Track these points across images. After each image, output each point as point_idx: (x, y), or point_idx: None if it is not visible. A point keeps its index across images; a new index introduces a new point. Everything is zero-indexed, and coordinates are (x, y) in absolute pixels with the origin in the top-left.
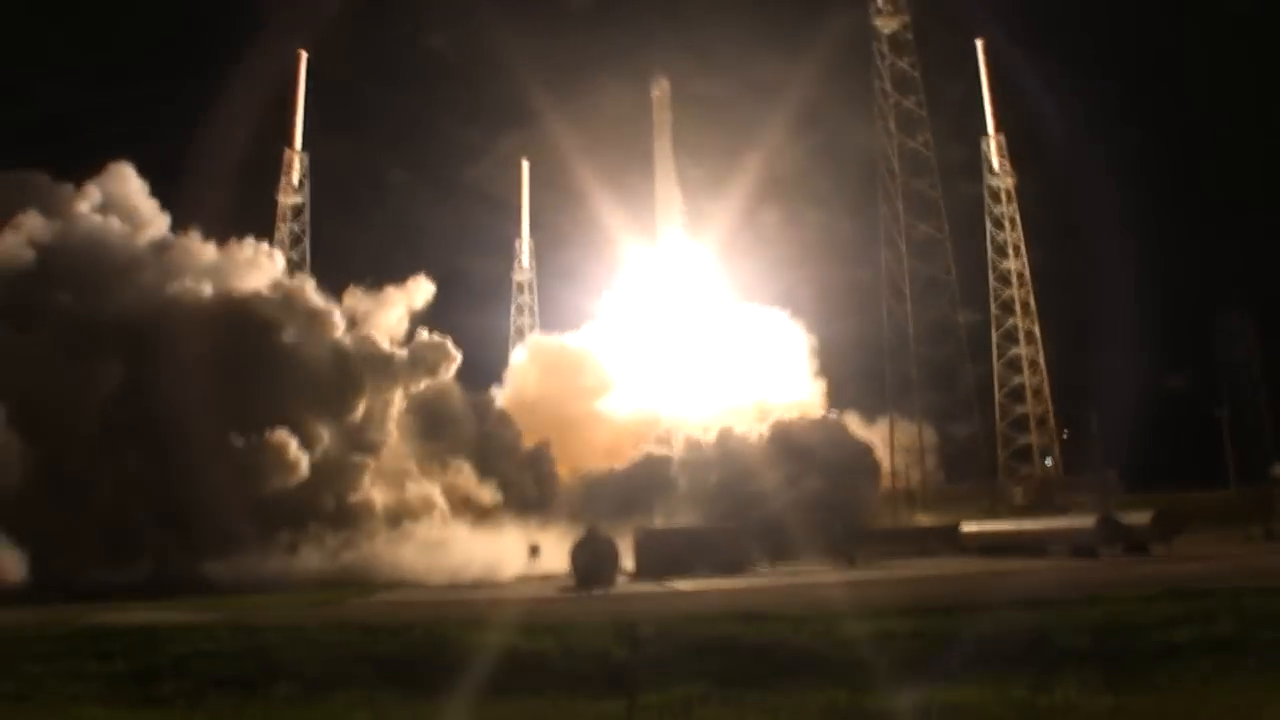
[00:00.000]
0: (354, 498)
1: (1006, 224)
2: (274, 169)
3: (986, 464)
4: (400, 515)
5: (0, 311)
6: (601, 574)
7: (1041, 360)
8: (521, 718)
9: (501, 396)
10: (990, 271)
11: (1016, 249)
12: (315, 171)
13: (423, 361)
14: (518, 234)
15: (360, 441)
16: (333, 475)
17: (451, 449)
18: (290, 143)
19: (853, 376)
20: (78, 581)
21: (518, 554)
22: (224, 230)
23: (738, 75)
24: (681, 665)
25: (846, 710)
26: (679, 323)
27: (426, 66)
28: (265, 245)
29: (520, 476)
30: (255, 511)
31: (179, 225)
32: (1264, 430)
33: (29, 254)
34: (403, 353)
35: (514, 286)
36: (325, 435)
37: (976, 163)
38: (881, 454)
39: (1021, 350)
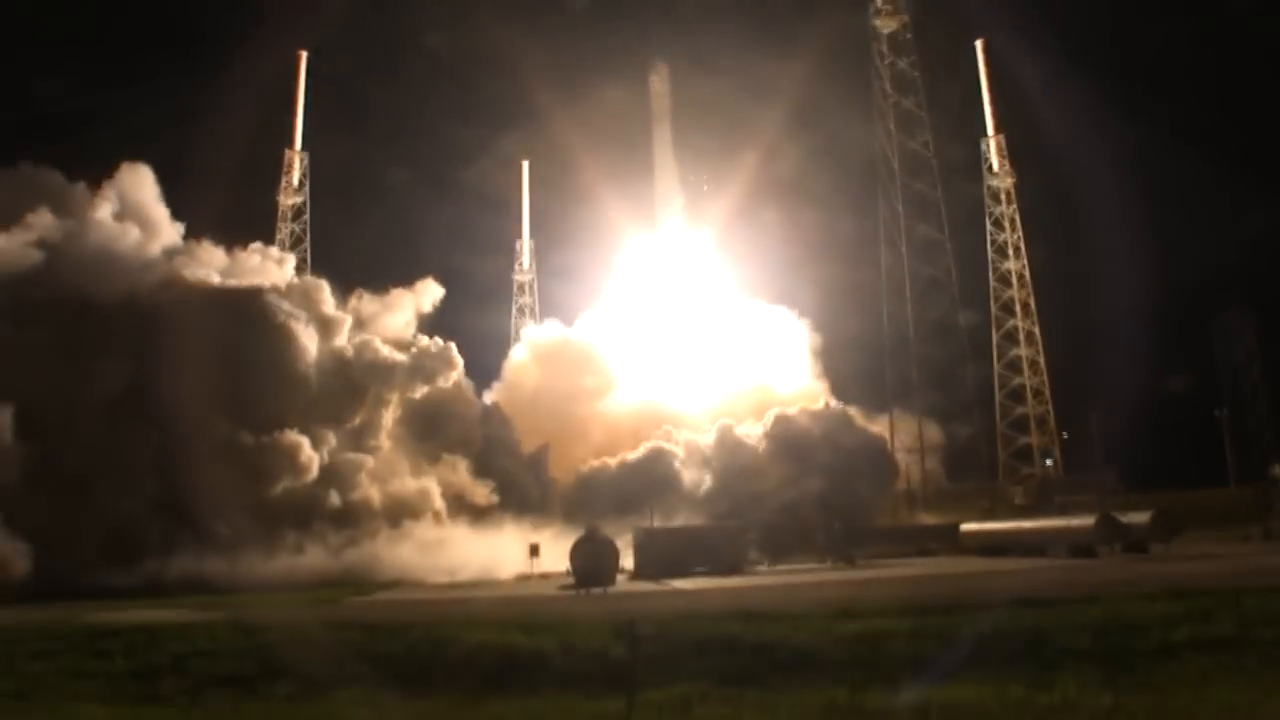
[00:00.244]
0: (352, 497)
1: (1006, 224)
2: (274, 170)
3: (987, 464)
4: (398, 515)
5: (6, 309)
6: (601, 573)
7: (1042, 361)
8: (521, 716)
9: (501, 390)
10: (990, 272)
11: (1017, 250)
12: (315, 172)
13: (423, 370)
14: (518, 234)
15: (359, 443)
16: (332, 475)
17: (450, 449)
18: (290, 143)
19: (853, 377)
20: (82, 580)
21: (516, 554)
22: (223, 231)
23: (736, 75)
24: (681, 664)
25: (845, 709)
26: (679, 313)
27: (427, 66)
28: (274, 250)
29: (520, 478)
30: (259, 511)
31: (177, 225)
32: (1263, 430)
33: (36, 253)
34: (405, 359)
35: (515, 287)
36: (330, 437)
37: (976, 163)
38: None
39: (1022, 351)
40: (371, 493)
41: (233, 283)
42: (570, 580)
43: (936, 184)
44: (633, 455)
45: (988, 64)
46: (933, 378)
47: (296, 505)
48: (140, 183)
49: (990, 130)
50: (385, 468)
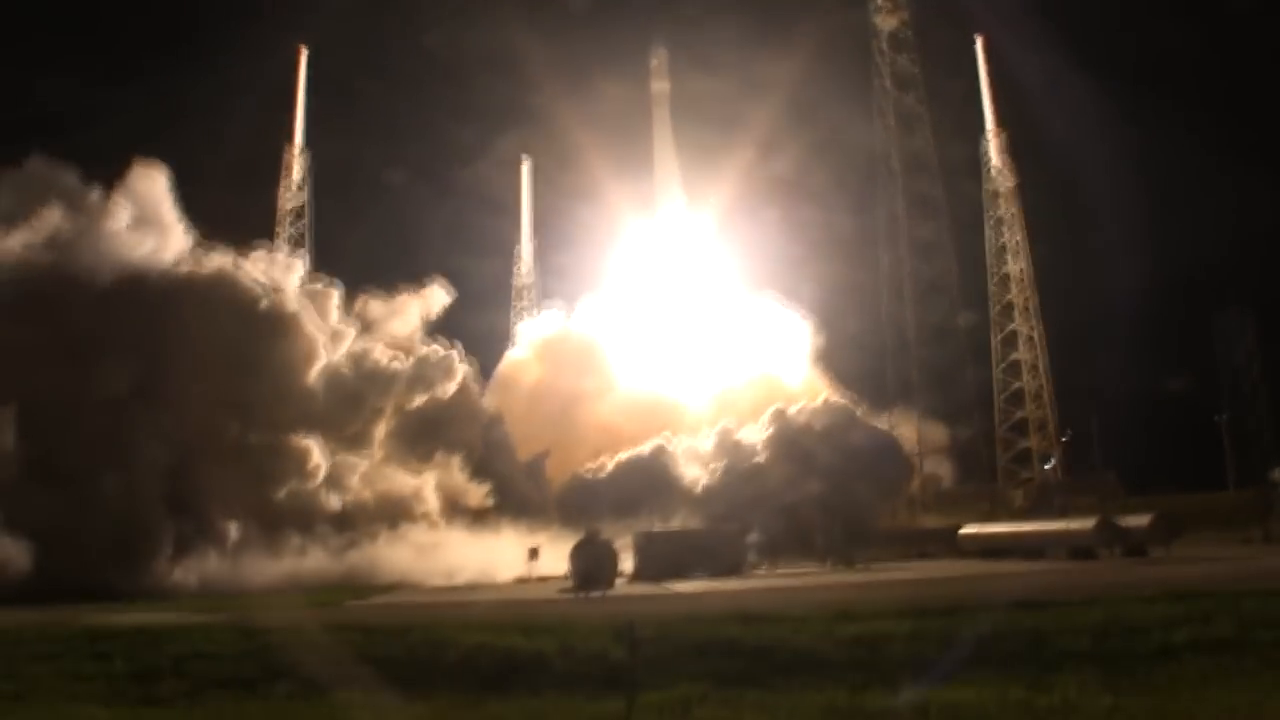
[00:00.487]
0: (351, 501)
1: (1007, 224)
2: (274, 169)
3: (986, 467)
4: (396, 518)
5: (15, 307)
6: (600, 576)
7: (1042, 364)
8: (521, 718)
9: (499, 386)
10: (990, 274)
11: (1017, 250)
12: (316, 171)
13: (423, 379)
14: (518, 235)
15: (357, 447)
16: (331, 479)
17: (448, 452)
18: (290, 142)
19: (853, 378)
20: (87, 581)
21: (515, 557)
22: (223, 230)
23: (735, 73)
24: (680, 665)
25: (845, 710)
26: (681, 306)
27: (427, 65)
28: (280, 255)
29: (518, 482)
30: (264, 514)
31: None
32: (1263, 433)
33: (46, 250)
34: (406, 367)
35: (514, 288)
36: (328, 441)
37: (977, 162)
38: None
39: (1022, 354)
40: (369, 496)
41: (249, 285)
42: (570, 583)
43: (937, 183)
44: (632, 455)
45: (988, 61)
46: (933, 380)
47: (299, 508)
48: (152, 183)
49: (991, 128)
50: (382, 472)
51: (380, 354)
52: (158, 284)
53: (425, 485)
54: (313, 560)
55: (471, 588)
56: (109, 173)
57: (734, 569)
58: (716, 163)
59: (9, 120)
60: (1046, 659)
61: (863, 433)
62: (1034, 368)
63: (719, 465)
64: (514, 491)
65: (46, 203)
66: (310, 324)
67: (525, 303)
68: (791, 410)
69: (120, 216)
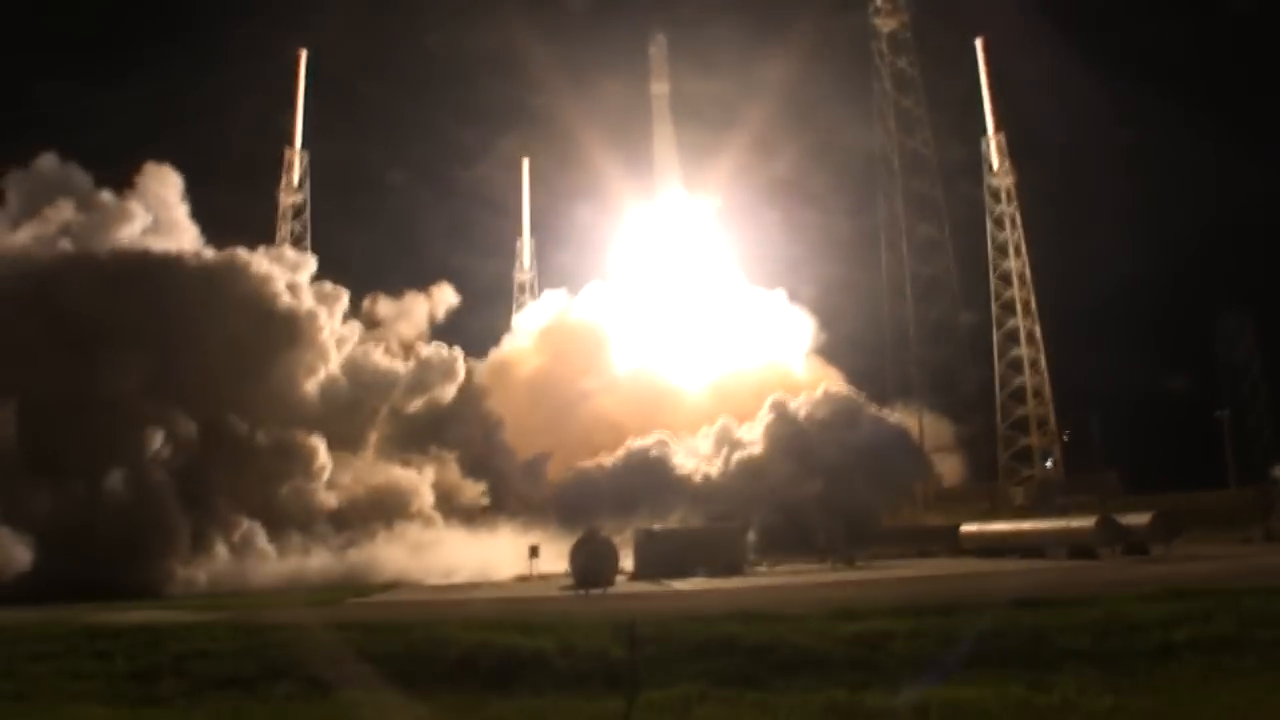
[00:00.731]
0: (350, 500)
1: (1007, 223)
2: (274, 168)
3: (987, 465)
4: (394, 517)
5: (23, 301)
6: (600, 574)
7: (1043, 361)
8: (521, 716)
9: (498, 373)
10: (991, 272)
11: (1017, 249)
12: (314, 172)
13: (423, 382)
14: (518, 233)
15: (356, 446)
16: (331, 478)
17: (447, 450)
18: (290, 142)
19: (854, 377)
20: (94, 579)
21: (515, 555)
22: (223, 229)
23: (735, 75)
24: (680, 664)
25: (845, 709)
26: (682, 297)
27: (426, 64)
28: (289, 251)
29: (516, 481)
30: (269, 513)
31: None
32: (1264, 431)
33: (56, 248)
34: (407, 369)
35: (515, 286)
36: (327, 440)
37: (976, 162)
38: None
39: (1022, 351)
40: (369, 495)
41: (268, 283)
42: (570, 581)
43: (936, 183)
44: (630, 451)
45: (988, 63)
46: (933, 378)
47: (302, 507)
48: (164, 182)
49: (990, 129)
50: (381, 470)
51: (384, 355)
52: (173, 279)
53: (424, 484)
54: (313, 559)
55: (472, 586)
56: (109, 173)
57: (734, 567)
58: (716, 163)
59: (9, 121)
60: (1047, 658)
61: (872, 425)
62: (1034, 365)
63: (719, 461)
64: (513, 490)
65: (55, 201)
66: (324, 325)
67: (526, 298)
68: (796, 402)
69: (134, 215)
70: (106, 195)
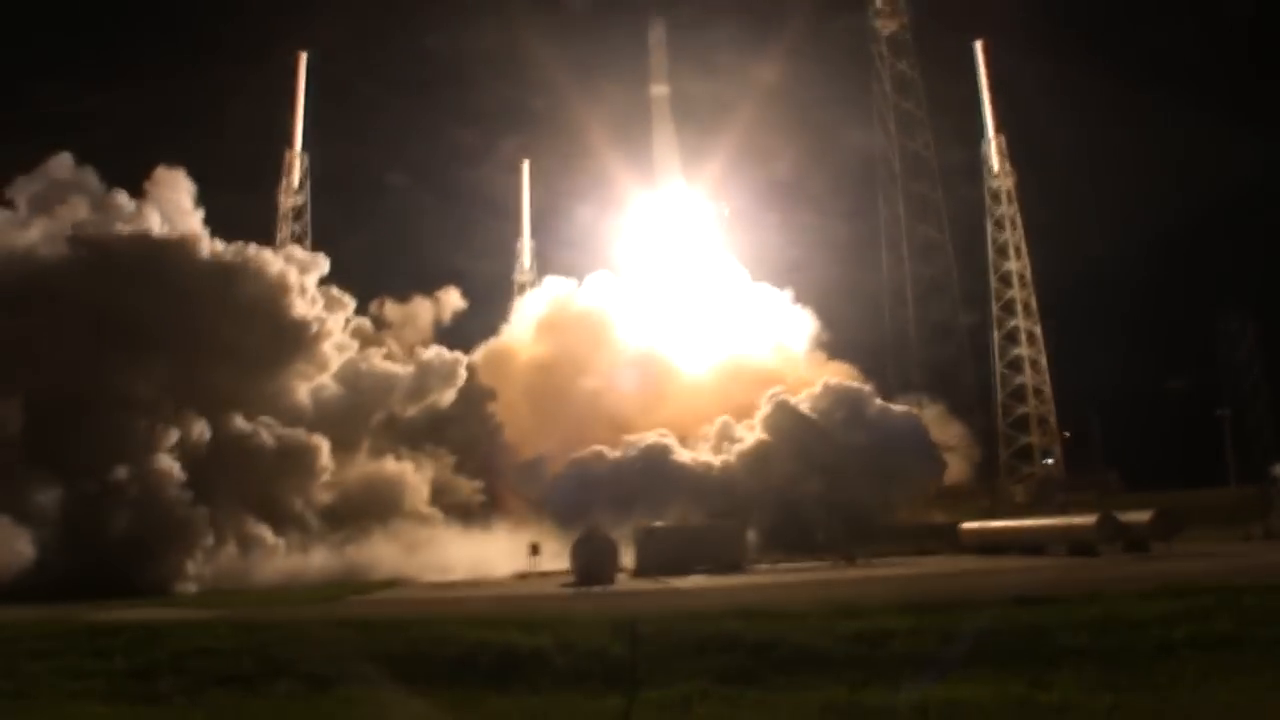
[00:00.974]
0: (350, 498)
1: (1007, 225)
2: (274, 173)
3: (988, 463)
4: (393, 515)
5: (39, 300)
6: (601, 572)
7: (1043, 361)
8: (521, 714)
9: (496, 361)
10: (991, 273)
11: (1017, 250)
12: (314, 174)
13: (423, 388)
14: (518, 234)
15: (356, 447)
16: (332, 476)
17: (449, 452)
18: (290, 143)
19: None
20: (102, 577)
21: (512, 553)
22: (223, 230)
23: (735, 77)
24: (681, 662)
25: (846, 707)
26: (683, 287)
27: (427, 66)
28: (298, 249)
29: (518, 481)
30: (274, 512)
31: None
32: (1264, 429)
33: (69, 246)
34: (409, 373)
35: (515, 287)
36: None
37: (976, 164)
38: None
39: (1023, 351)
40: (368, 494)
41: (282, 284)
42: (571, 578)
43: (937, 185)
44: (630, 448)
45: (987, 65)
46: (934, 377)
47: (301, 506)
48: (176, 188)
49: (990, 131)
50: (380, 470)
51: (386, 360)
52: (185, 271)
53: (422, 482)
54: (313, 557)
55: (473, 583)
56: (109, 174)
57: (735, 565)
58: (717, 165)
59: (8, 121)
60: (1046, 655)
61: (881, 418)
62: (1034, 365)
63: (720, 458)
64: (511, 489)
65: (67, 200)
66: (333, 328)
67: (526, 296)
68: (799, 397)
69: (148, 218)
70: (122, 197)
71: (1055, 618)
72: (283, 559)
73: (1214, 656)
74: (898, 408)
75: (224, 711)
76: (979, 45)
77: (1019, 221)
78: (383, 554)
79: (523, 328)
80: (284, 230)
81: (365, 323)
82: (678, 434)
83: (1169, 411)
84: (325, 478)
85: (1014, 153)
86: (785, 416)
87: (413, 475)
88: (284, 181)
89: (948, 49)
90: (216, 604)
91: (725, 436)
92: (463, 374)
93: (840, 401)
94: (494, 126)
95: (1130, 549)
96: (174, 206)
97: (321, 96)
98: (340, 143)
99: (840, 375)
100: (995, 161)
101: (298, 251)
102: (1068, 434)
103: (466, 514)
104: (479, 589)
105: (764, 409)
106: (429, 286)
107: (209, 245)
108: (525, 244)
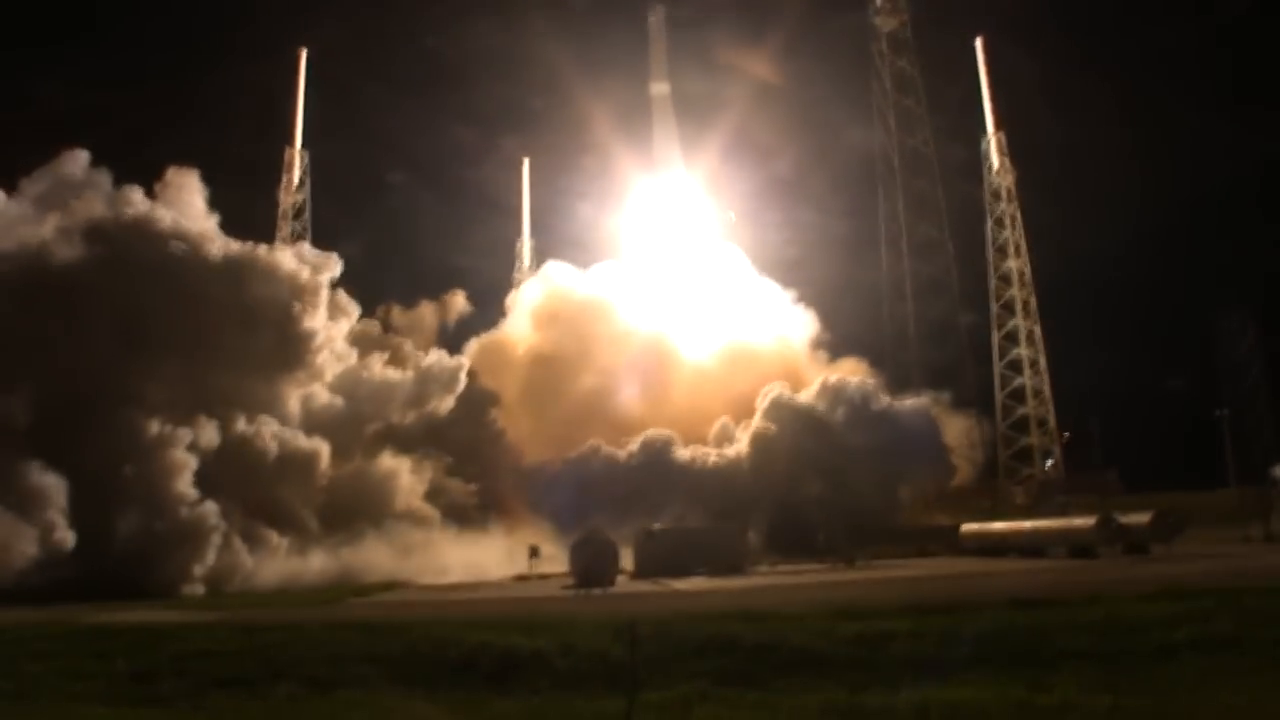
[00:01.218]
0: (349, 500)
1: (1007, 223)
2: (274, 171)
3: (988, 465)
4: (392, 518)
5: (53, 298)
6: (601, 574)
7: (1042, 361)
8: (522, 716)
9: (491, 350)
10: (991, 271)
11: (1017, 248)
12: (315, 172)
13: (424, 395)
14: (518, 233)
15: (355, 449)
16: (331, 479)
17: (448, 456)
18: (290, 142)
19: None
20: (106, 578)
21: (509, 555)
22: (224, 231)
23: (735, 75)
24: (681, 664)
25: (845, 709)
26: (686, 272)
27: (427, 66)
28: (309, 249)
29: (517, 484)
30: (274, 514)
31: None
32: (1263, 431)
33: (83, 245)
34: (409, 380)
35: (515, 282)
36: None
37: (976, 162)
38: None
39: (1022, 351)
40: (365, 495)
41: (294, 289)
42: (571, 581)
43: (936, 182)
44: (632, 448)
45: (987, 62)
46: (933, 377)
47: (300, 508)
48: (187, 188)
49: (990, 128)
50: (378, 472)
51: (388, 366)
52: (200, 279)
53: (419, 485)
54: (311, 559)
55: (472, 585)
56: (111, 172)
57: (734, 567)
58: (715, 163)
59: (8, 120)
60: (1046, 658)
61: (888, 417)
62: (1034, 365)
63: (719, 450)
64: (510, 492)
65: (80, 196)
66: (337, 334)
67: (525, 284)
68: (804, 393)
69: (161, 214)
70: (136, 194)
71: (1055, 620)
72: (282, 561)
73: (1214, 659)
74: (908, 402)
75: (225, 714)
76: (979, 42)
77: (1019, 220)
78: (379, 556)
79: (521, 318)
80: (284, 228)
81: (368, 325)
82: (680, 428)
83: (1168, 412)
84: (324, 482)
85: (1014, 150)
86: (786, 414)
87: (409, 477)
88: (284, 179)
89: (948, 46)
90: (217, 606)
91: (725, 438)
92: (463, 380)
93: (845, 398)
94: (494, 125)
95: (1130, 551)
96: (186, 207)
97: (322, 94)
98: (341, 140)
99: (848, 371)
100: (995, 159)
101: (309, 251)
102: (1067, 434)
103: (463, 516)
104: (479, 591)
105: (764, 403)
106: (429, 285)
107: (223, 245)
108: (525, 243)
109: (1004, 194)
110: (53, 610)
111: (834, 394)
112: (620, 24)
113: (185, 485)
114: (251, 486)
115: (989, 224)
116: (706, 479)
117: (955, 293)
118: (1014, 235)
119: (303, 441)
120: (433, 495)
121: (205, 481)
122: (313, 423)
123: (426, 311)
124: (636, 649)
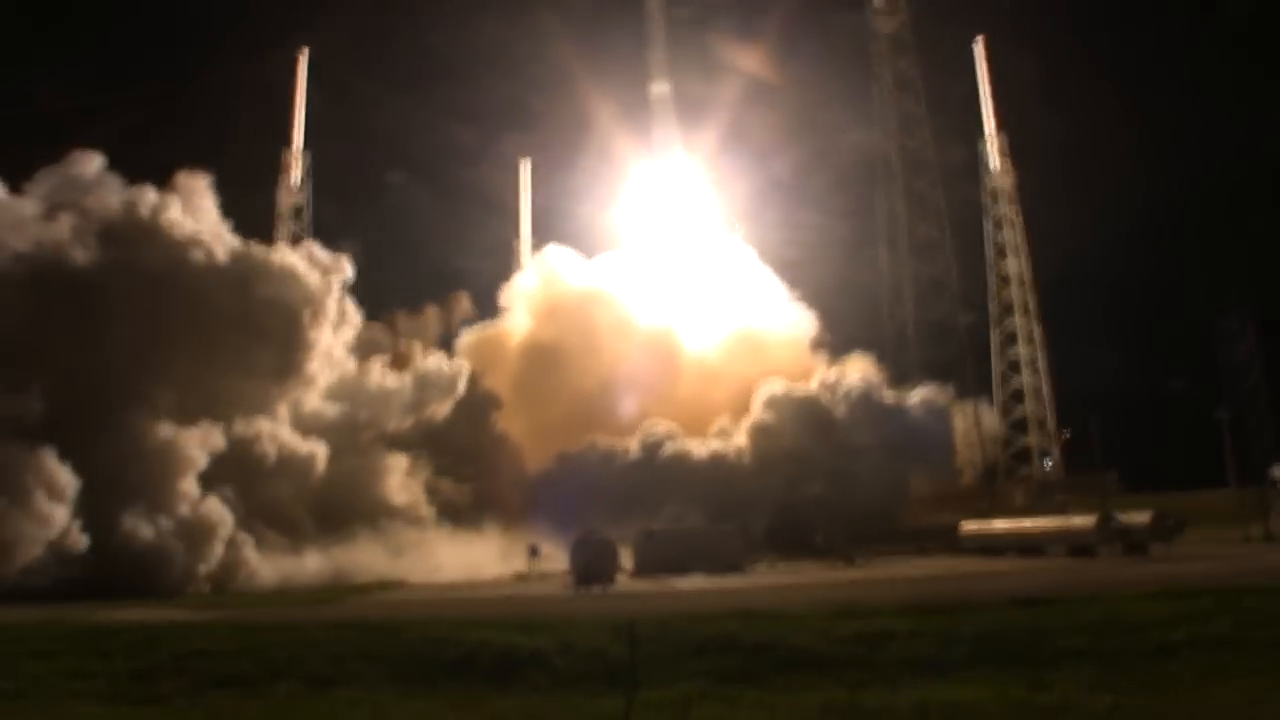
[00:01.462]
0: (345, 501)
1: (1006, 224)
2: (274, 171)
3: (987, 464)
4: (388, 518)
5: (66, 298)
6: (601, 573)
7: (1042, 361)
8: (521, 715)
9: (487, 344)
10: (990, 272)
11: (1017, 249)
12: (315, 172)
13: (423, 400)
14: (518, 234)
15: (354, 450)
16: (328, 480)
17: (447, 457)
18: (290, 142)
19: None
20: (112, 577)
21: (510, 555)
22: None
23: (735, 76)
24: (680, 663)
25: (844, 708)
26: (687, 264)
27: (427, 65)
28: (319, 250)
29: (516, 485)
30: (271, 515)
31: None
32: (1264, 431)
33: (96, 245)
34: (408, 385)
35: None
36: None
37: (976, 163)
38: None
39: (1022, 351)
40: (365, 496)
41: (305, 291)
42: (570, 580)
43: (936, 183)
44: (632, 449)
45: (988, 63)
46: (933, 377)
47: (299, 508)
48: (198, 192)
49: (990, 129)
50: (372, 471)
51: (387, 370)
52: (210, 281)
53: (416, 485)
54: (308, 559)
55: (471, 584)
56: (111, 172)
57: (733, 566)
58: (715, 163)
59: (9, 120)
60: (1046, 657)
61: (893, 414)
62: (1034, 365)
63: (717, 443)
64: (509, 491)
65: (91, 194)
66: (339, 340)
67: (522, 271)
68: (805, 390)
69: (173, 223)
70: (150, 194)
71: (1055, 619)
72: (280, 561)
73: (1213, 658)
74: (916, 397)
75: (224, 713)
76: (979, 43)
77: (1018, 220)
78: (372, 556)
79: (518, 309)
80: (283, 229)
81: (370, 327)
82: (684, 421)
83: (1168, 413)
84: (318, 483)
85: (1014, 151)
86: (787, 407)
87: (405, 477)
88: (284, 180)
89: (947, 47)
90: (216, 605)
91: (725, 437)
92: (463, 386)
93: (849, 393)
94: (494, 125)
95: (1129, 551)
96: (198, 211)
97: (321, 94)
98: (340, 141)
99: (855, 368)
100: (995, 160)
101: (319, 253)
102: (1067, 434)
103: (458, 515)
104: (477, 590)
105: (763, 397)
106: (429, 285)
107: (235, 250)
108: (525, 243)
109: (1003, 195)
110: (53, 609)
111: (837, 387)
112: (620, 24)
113: (191, 486)
114: (252, 488)
115: (988, 225)
116: (706, 477)
117: (955, 293)
118: (1013, 236)
119: (301, 445)
120: (427, 495)
121: (209, 483)
122: (312, 427)
123: (431, 315)
124: (636, 648)
